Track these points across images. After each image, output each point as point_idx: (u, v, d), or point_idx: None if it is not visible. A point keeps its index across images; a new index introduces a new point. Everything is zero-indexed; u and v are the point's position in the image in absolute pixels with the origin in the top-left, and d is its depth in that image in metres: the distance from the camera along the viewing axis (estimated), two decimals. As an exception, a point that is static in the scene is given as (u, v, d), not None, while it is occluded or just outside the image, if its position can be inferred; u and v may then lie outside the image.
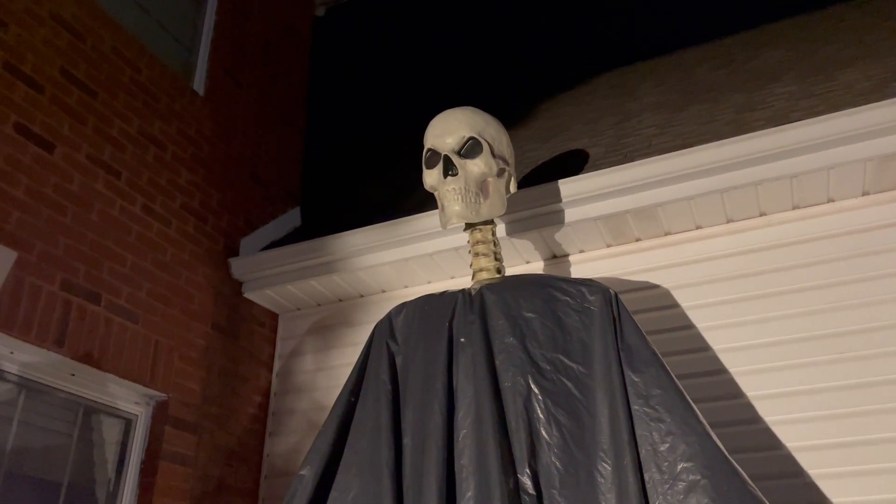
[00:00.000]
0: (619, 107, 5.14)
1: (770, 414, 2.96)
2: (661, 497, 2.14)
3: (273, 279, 3.96)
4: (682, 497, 2.11)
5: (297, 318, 4.22)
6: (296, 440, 3.87)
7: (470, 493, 2.21)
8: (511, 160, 2.91)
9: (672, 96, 4.86)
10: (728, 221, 3.35)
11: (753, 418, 2.98)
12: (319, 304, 4.16)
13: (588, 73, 6.68)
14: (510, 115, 5.74)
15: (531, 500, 2.20)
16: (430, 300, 2.71)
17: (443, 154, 2.71)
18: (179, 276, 3.60)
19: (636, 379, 2.32)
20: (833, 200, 3.19)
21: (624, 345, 2.39)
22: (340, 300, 4.12)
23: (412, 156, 3.89)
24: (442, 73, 6.20)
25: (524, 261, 3.68)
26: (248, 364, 3.95)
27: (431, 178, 2.75)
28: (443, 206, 2.72)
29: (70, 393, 3.06)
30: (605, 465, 2.21)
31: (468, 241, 2.82)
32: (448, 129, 2.72)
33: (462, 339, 2.51)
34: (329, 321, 4.11)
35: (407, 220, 3.64)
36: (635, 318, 3.23)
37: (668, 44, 6.41)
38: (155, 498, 3.19)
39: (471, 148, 2.71)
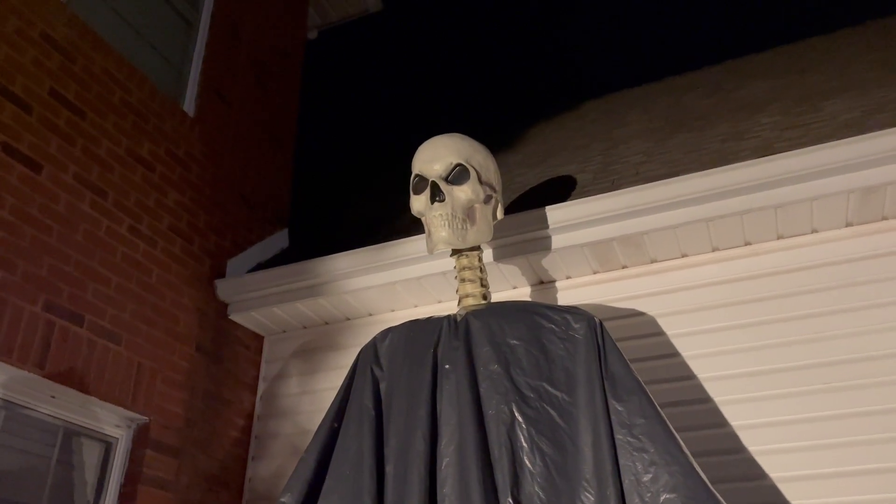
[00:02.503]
0: (607, 133, 5.19)
1: (754, 444, 2.96)
2: (643, 528, 2.13)
3: (259, 301, 3.94)
4: (664, 528, 2.10)
5: (282, 341, 4.20)
6: (279, 465, 3.83)
7: (452, 523, 2.19)
8: (498, 187, 2.92)
9: (659, 124, 4.90)
10: (713, 250, 3.37)
11: (738, 448, 2.98)
12: (305, 327, 4.14)
13: (577, 98, 6.75)
14: (499, 140, 5.78)
15: (513, 530, 2.18)
16: (416, 326, 2.71)
17: (430, 180, 2.72)
18: (164, 298, 3.58)
19: (620, 408, 2.31)
20: (817, 231, 3.22)
21: (608, 373, 2.39)
22: (326, 323, 4.10)
23: (401, 179, 3.90)
24: (432, 98, 6.25)
25: (511, 286, 3.68)
26: (232, 387, 3.92)
27: (419, 203, 2.76)
28: (430, 231, 2.73)
29: (50, 415, 3.02)
30: (589, 494, 2.20)
31: (455, 267, 2.83)
32: (436, 156, 2.73)
33: (447, 366, 2.50)
34: (314, 344, 4.09)
35: (394, 244, 3.65)
36: (621, 345, 3.24)
37: (657, 71, 6.49)
38: (134, 523, 3.15)
39: (458, 174, 2.73)
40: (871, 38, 5.34)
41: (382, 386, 2.63)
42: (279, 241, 4.64)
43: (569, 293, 3.57)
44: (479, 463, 2.26)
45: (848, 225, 3.17)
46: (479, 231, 2.75)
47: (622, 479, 2.21)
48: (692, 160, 3.62)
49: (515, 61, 6.87)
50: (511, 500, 2.22)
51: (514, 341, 2.50)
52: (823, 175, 2.98)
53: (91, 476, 3.18)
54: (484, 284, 2.76)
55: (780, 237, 3.27)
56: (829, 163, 2.95)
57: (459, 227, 2.67)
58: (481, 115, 6.27)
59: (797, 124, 3.73)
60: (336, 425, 2.62)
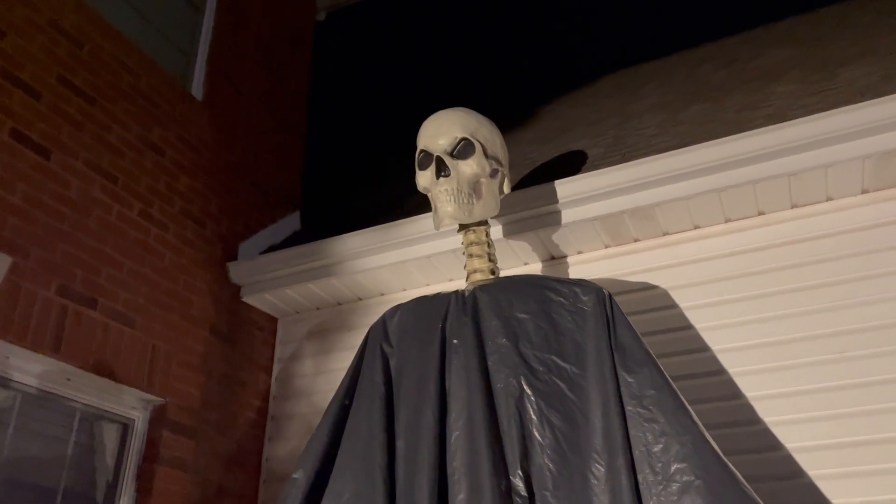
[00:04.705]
0: (621, 108, 5.12)
1: (769, 415, 2.93)
2: (654, 498, 2.12)
3: (271, 283, 3.96)
4: (675, 498, 2.09)
5: (296, 322, 4.22)
6: (295, 444, 3.86)
7: (462, 496, 2.20)
8: (505, 161, 2.89)
9: (674, 96, 4.83)
10: (726, 221, 3.33)
11: (753, 419, 2.95)
12: (318, 308, 4.16)
13: (592, 74, 6.67)
14: (513, 118, 5.74)
15: (523, 501, 2.18)
16: (424, 302, 2.70)
17: (435, 155, 2.70)
18: (178, 281, 3.61)
19: (630, 379, 2.30)
20: (832, 199, 3.16)
21: (617, 345, 2.37)
22: (339, 304, 4.11)
23: (413, 160, 3.88)
24: (444, 77, 6.20)
25: (522, 262, 3.66)
26: (248, 368, 3.95)
27: (424, 179, 2.75)
28: (436, 207, 2.71)
29: (67, 398, 3.06)
30: (599, 466, 2.20)
31: (462, 243, 2.81)
32: (440, 130, 2.72)
33: (455, 341, 2.50)
34: (328, 325, 4.10)
35: (404, 222, 3.64)
36: (634, 319, 3.21)
37: (672, 44, 6.40)
38: (152, 503, 3.19)
39: (463, 149, 2.71)
40: (889, 5, 5.21)
41: (392, 362, 2.64)
42: (291, 223, 4.65)
43: (580, 268, 3.54)
44: (487, 436, 2.26)
45: (864, 192, 3.11)
46: (486, 205, 2.73)
47: (633, 449, 2.20)
48: (705, 131, 3.56)
49: (531, 39, 6.81)
50: (521, 473, 2.22)
51: (523, 315, 2.49)
52: (837, 141, 2.92)
53: (109, 457, 3.23)
54: (492, 259, 2.75)
55: (794, 206, 3.22)
56: (843, 128, 2.89)
57: (465, 201, 2.66)
58: (496, 94, 6.22)
59: (813, 92, 3.66)
60: (347, 403, 2.63)
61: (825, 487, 2.74)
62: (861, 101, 2.92)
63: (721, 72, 5.12)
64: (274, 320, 4.27)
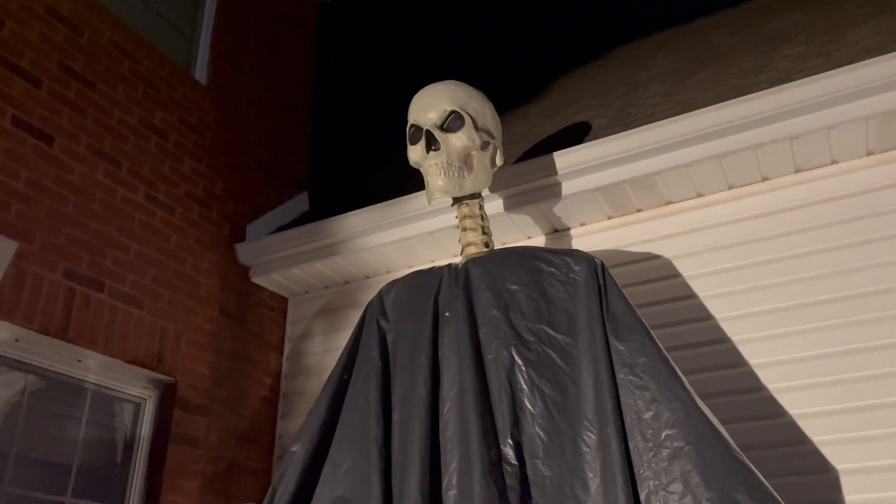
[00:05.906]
0: (629, 78, 5.05)
1: (773, 381, 2.91)
2: (645, 465, 2.11)
3: (279, 263, 4.00)
4: (666, 464, 2.09)
5: (305, 302, 4.26)
6: (307, 421, 3.91)
7: (454, 465, 2.22)
8: (497, 133, 2.88)
9: (683, 64, 4.75)
10: (730, 188, 3.28)
11: (757, 387, 2.93)
12: (327, 287, 4.19)
13: (602, 46, 6.58)
14: (522, 92, 5.70)
15: (514, 470, 2.19)
16: (419, 276, 2.71)
17: (424, 129, 2.69)
18: (185, 263, 3.66)
19: (621, 347, 2.29)
20: (836, 162, 3.09)
21: (609, 314, 2.36)
22: (347, 282, 4.14)
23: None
24: (452, 54, 6.16)
25: (525, 236, 3.65)
26: (258, 347, 4.00)
27: (415, 153, 2.75)
28: (427, 181, 2.71)
29: (77, 378, 3.13)
30: (590, 434, 2.20)
31: (456, 217, 2.81)
32: (429, 104, 2.70)
33: (447, 314, 2.51)
34: (336, 303, 4.14)
35: (406, 199, 3.64)
36: (637, 289, 3.21)
37: (685, 12, 6.28)
38: (165, 478, 3.26)
39: (453, 121, 2.69)
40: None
41: (389, 337, 2.65)
42: (300, 204, 4.68)
43: (584, 240, 3.52)
44: (478, 407, 2.27)
45: (869, 154, 3.04)
46: (477, 178, 2.72)
47: (624, 417, 2.19)
48: (710, 97, 3.50)
49: (540, 12, 6.72)
50: (511, 442, 2.23)
51: (514, 286, 2.49)
52: (839, 102, 2.86)
53: (122, 435, 3.30)
54: (486, 232, 2.74)
55: (798, 170, 3.16)
56: (844, 88, 2.82)
57: (456, 175, 2.65)
58: (505, 69, 6.17)
59: (819, 53, 3.57)
60: (346, 377, 2.66)
61: (829, 453, 2.72)
62: (861, 61, 2.85)
63: (732, 38, 5.01)
64: (284, 300, 4.31)
